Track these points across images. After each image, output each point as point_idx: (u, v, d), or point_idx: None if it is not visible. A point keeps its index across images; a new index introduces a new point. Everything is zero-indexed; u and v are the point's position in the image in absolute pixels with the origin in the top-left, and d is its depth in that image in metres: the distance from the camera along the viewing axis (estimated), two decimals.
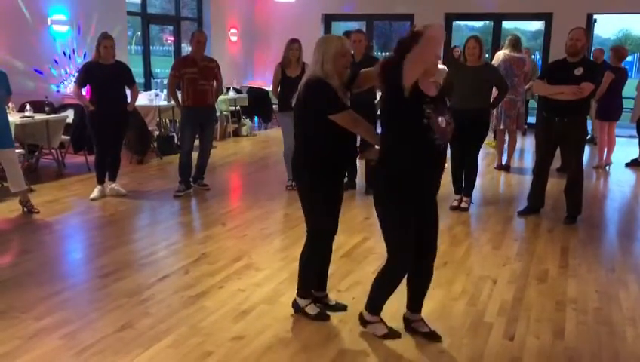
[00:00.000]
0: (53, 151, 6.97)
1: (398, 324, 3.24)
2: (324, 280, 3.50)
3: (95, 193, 5.94)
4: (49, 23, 8.20)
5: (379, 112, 4.29)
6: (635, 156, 8.30)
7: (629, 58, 21.42)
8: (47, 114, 6.74)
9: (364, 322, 3.23)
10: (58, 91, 8.32)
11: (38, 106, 6.85)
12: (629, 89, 8.32)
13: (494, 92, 5.84)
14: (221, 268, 4.15)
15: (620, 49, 8.05)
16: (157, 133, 8.41)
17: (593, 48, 10.35)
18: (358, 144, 3.30)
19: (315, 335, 3.20)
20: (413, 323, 3.21)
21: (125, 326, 3.25)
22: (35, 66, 8.01)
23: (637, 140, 8.35)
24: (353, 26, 12.62)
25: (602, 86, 7.39)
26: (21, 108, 6.89)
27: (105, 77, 5.75)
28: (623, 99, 8.07)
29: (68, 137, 7.03)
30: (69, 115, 7.08)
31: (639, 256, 4.68)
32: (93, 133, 5.94)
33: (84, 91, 6.00)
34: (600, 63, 8.43)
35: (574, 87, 4.99)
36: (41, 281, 3.86)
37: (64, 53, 8.44)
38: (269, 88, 8.21)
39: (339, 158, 3.18)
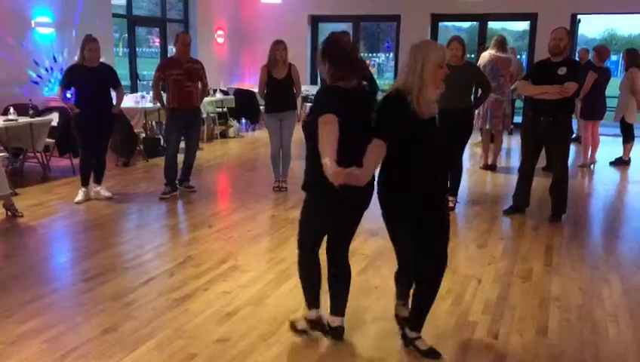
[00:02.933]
0: (38, 154, 6.91)
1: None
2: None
3: (80, 196, 5.90)
4: (33, 26, 8.14)
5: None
6: (619, 155, 8.39)
7: (613, 57, 21.64)
8: (32, 117, 6.68)
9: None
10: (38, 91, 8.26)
11: (22, 109, 6.79)
12: (613, 88, 8.40)
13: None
14: (206, 270, 4.14)
15: (602, 49, 8.13)
16: (143, 135, 8.36)
17: (579, 48, 10.44)
18: None
19: (300, 337, 3.20)
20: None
21: (109, 330, 3.24)
22: (20, 69, 7.95)
23: (621, 139, 8.44)
24: (340, 27, 12.66)
25: (585, 86, 7.46)
26: (5, 112, 6.83)
27: (90, 79, 5.72)
28: (607, 99, 8.15)
29: (53, 140, 6.97)
30: (54, 118, 7.03)
31: (622, 253, 4.72)
32: (78, 135, 5.90)
33: (69, 94, 5.96)
34: (585, 63, 8.51)
35: (558, 87, 5.04)
36: (24, 285, 3.83)
37: (49, 56, 8.38)
38: (256, 90, 8.20)
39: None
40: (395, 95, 2.78)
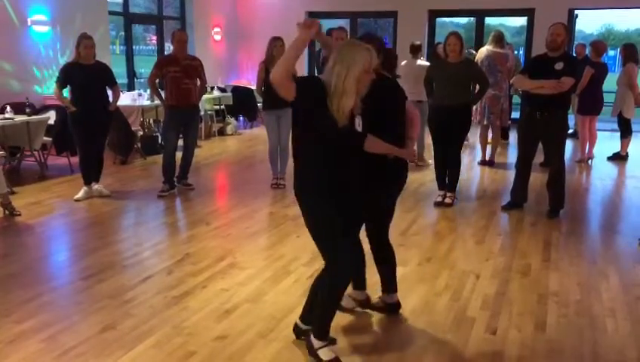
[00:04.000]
0: (35, 153, 6.90)
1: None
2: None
3: (81, 193, 5.89)
4: (29, 24, 8.11)
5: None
6: (616, 150, 8.39)
7: (611, 53, 21.65)
8: (28, 115, 6.67)
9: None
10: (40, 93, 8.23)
11: (18, 108, 6.77)
12: (610, 83, 8.40)
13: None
14: (205, 267, 4.14)
15: (598, 44, 8.12)
16: (140, 133, 8.35)
17: (576, 43, 10.44)
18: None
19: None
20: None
21: (107, 328, 3.23)
22: (16, 67, 7.93)
23: (618, 134, 8.44)
24: (337, 23, 12.63)
25: (582, 81, 7.46)
26: (1, 110, 6.80)
27: (85, 77, 5.70)
28: (604, 94, 8.14)
29: (50, 139, 6.96)
30: (51, 116, 7.01)
31: (620, 248, 4.73)
32: (75, 134, 5.89)
33: (65, 92, 5.94)
34: (582, 58, 8.50)
35: (554, 82, 5.03)
36: (22, 284, 3.82)
37: (45, 54, 8.35)
38: (254, 87, 8.19)
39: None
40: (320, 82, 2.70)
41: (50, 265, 4.40)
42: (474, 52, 8.97)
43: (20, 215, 5.32)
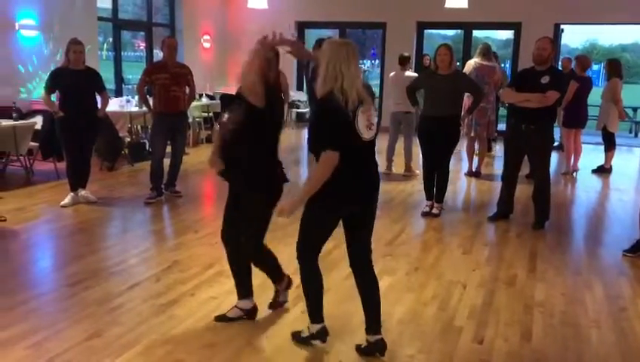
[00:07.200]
0: (21, 158, 6.84)
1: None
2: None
3: (67, 200, 5.84)
4: (17, 28, 8.07)
5: None
6: (601, 163, 8.51)
7: (595, 67, 22.01)
8: (15, 120, 6.62)
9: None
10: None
11: (5, 112, 6.72)
12: (594, 97, 8.53)
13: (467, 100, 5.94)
14: (193, 275, 4.12)
15: (583, 59, 8.27)
16: (128, 139, 8.32)
17: (561, 57, 10.60)
18: None
19: (288, 341, 3.20)
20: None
21: (94, 336, 3.21)
22: (3, 72, 7.87)
23: (603, 147, 8.57)
24: (326, 33, 12.72)
25: (567, 95, 7.56)
26: None
27: (74, 83, 5.67)
28: (589, 107, 8.27)
29: (36, 144, 6.91)
30: (38, 121, 6.96)
31: (604, 259, 4.79)
32: (62, 139, 5.85)
33: (53, 97, 5.91)
34: (568, 72, 8.63)
35: (540, 95, 5.11)
36: (6, 291, 3.78)
37: (33, 59, 8.31)
38: None
39: None
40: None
41: (35, 272, 4.36)
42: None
43: (5, 220, 5.26)
